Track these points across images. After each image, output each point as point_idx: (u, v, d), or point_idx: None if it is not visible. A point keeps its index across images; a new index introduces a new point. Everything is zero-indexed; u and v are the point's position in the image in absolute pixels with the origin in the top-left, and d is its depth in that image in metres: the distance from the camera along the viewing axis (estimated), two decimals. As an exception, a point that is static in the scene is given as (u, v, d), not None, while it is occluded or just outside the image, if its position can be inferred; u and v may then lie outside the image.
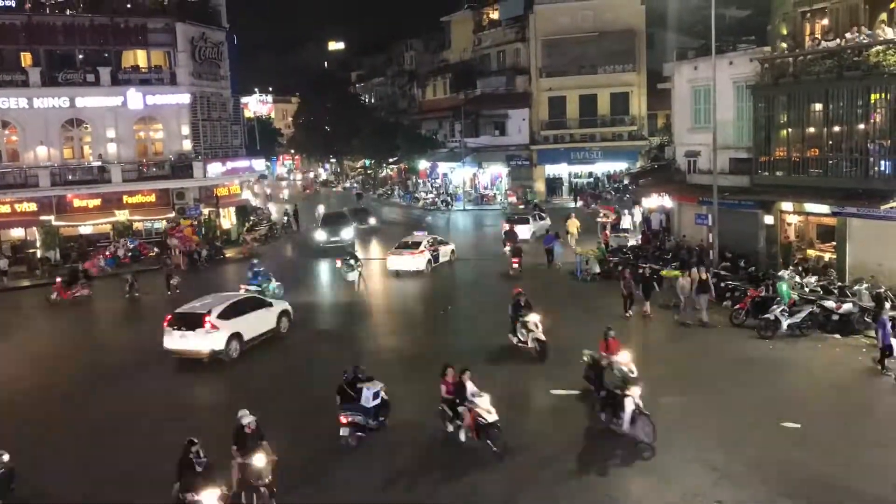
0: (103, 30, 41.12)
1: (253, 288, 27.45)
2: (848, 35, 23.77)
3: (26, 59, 40.39)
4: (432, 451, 15.07)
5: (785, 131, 26.46)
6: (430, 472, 14.11)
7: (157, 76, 42.78)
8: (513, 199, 57.19)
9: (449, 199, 61.14)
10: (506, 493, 13.20)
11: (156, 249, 40.06)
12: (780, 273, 24.69)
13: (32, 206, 38.69)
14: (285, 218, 52.09)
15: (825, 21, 25.94)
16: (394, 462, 14.60)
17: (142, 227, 41.75)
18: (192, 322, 20.90)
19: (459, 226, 50.60)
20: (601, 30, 55.24)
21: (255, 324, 22.39)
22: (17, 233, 39.32)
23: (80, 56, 41.38)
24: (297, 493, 13.39)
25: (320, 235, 42.16)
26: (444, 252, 35.17)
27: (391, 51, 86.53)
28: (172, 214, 41.36)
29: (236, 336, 21.32)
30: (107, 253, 38.03)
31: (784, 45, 26.61)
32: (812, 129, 25.55)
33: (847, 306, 21.39)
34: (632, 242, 35.10)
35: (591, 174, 60.25)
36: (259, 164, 52.21)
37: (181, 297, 29.64)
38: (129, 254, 38.92)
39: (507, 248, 33.51)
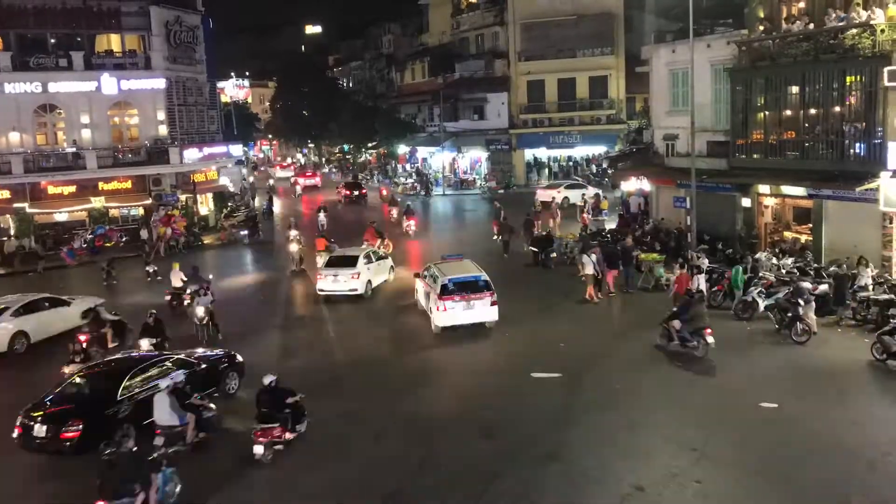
0: (76, 13, 40.27)
1: None
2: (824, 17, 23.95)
3: (-4, 43, 39.63)
4: (417, 436, 15.12)
5: (762, 114, 26.67)
6: (412, 456, 14.16)
7: (131, 61, 42.07)
8: (492, 183, 57.21)
9: (430, 184, 60.96)
10: (488, 473, 13.27)
11: (125, 237, 39.60)
12: (757, 255, 24.93)
13: (5, 194, 38.03)
14: (264, 204, 51.86)
15: (801, 4, 26.07)
16: (377, 447, 14.67)
17: (118, 214, 41.25)
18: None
19: (439, 210, 50.62)
20: (579, 13, 55.22)
21: (377, 272, 27.55)
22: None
23: (53, 40, 40.59)
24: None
25: None
26: None
27: (369, 35, 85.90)
28: (149, 201, 40.84)
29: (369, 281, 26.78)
30: (71, 244, 37.00)
31: (761, 27, 26.75)
32: (789, 112, 25.77)
33: (823, 287, 21.64)
34: (610, 226, 35.30)
35: (569, 158, 60.40)
36: (236, 149, 51.66)
37: (161, 282, 29.52)
38: (87, 244, 37.70)
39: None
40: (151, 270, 31.19)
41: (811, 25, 24.55)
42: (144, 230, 38.72)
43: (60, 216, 39.66)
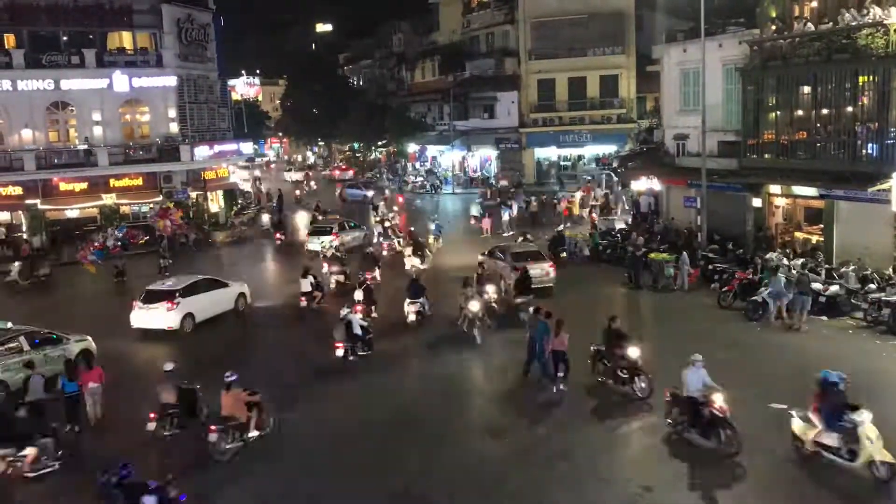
0: (88, 11, 40.44)
1: None
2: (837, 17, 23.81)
3: (9, 40, 39.77)
4: (425, 436, 15.14)
5: (773, 114, 26.56)
6: (421, 455, 14.17)
7: (143, 58, 42.24)
8: (504, 182, 57.11)
9: (438, 182, 61.00)
10: (497, 473, 13.29)
11: (146, 237, 38.91)
12: (768, 256, 24.81)
13: (18, 190, 38.32)
14: (274, 203, 52.04)
15: (814, 3, 25.94)
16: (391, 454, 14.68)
17: (129, 211, 41.39)
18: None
19: (448, 209, 50.63)
20: (590, 12, 55.03)
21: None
22: (2, 217, 38.94)
23: (65, 38, 40.77)
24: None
25: None
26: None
27: (379, 33, 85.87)
28: (160, 198, 40.93)
29: None
30: (95, 244, 35.47)
31: (773, 27, 26.62)
32: (800, 112, 25.66)
33: (834, 288, 21.55)
34: (620, 225, 35.24)
35: (579, 157, 60.25)
36: (247, 147, 51.74)
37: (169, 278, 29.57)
38: (119, 243, 36.63)
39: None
40: (165, 265, 31.34)
41: (826, 23, 24.40)
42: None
43: (72, 213, 39.87)
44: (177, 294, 23.03)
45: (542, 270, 25.04)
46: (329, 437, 15.14)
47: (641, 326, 22.03)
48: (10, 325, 20.49)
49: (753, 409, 15.41)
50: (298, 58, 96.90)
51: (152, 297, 23.03)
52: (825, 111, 24.61)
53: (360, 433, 15.22)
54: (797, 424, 13.36)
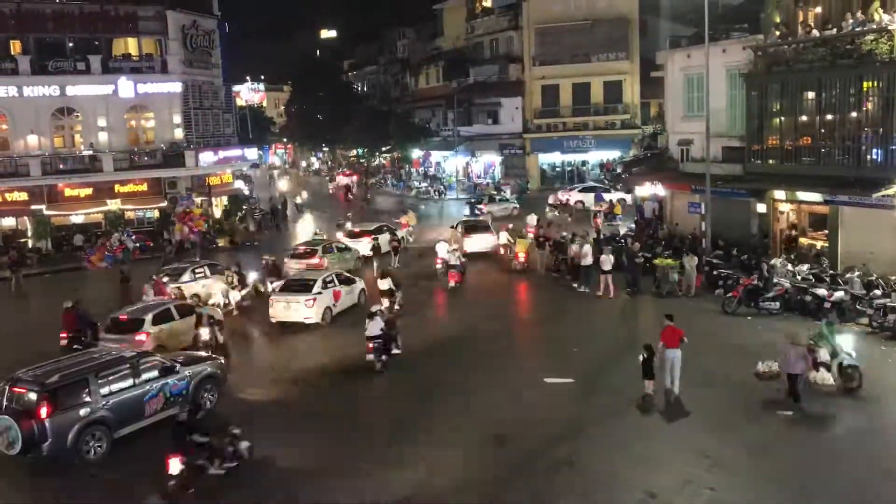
0: (93, 17, 40.67)
1: None
2: (843, 23, 23.80)
3: (15, 46, 39.97)
4: (428, 442, 15.11)
5: (778, 120, 26.55)
6: (423, 462, 14.15)
7: (148, 64, 42.43)
8: (507, 188, 57.05)
9: (442, 187, 61.04)
10: (501, 478, 13.25)
11: (150, 242, 39.36)
12: (772, 262, 24.71)
13: (23, 196, 38.42)
14: (279, 207, 52.08)
15: (818, 9, 25.94)
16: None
17: (134, 217, 41.54)
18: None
19: (453, 214, 50.58)
20: (594, 17, 55.11)
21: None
22: (7, 222, 39.07)
23: (71, 44, 40.98)
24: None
25: None
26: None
27: (384, 39, 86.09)
28: (164, 204, 41.07)
29: None
30: (115, 247, 35.93)
31: (777, 32, 26.62)
32: (805, 118, 25.65)
33: (839, 294, 21.48)
34: (623, 231, 35.21)
35: (583, 163, 60.26)
36: (251, 153, 51.95)
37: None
38: (137, 245, 37.48)
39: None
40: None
41: (830, 28, 24.39)
42: (172, 232, 39.10)
43: (77, 218, 39.97)
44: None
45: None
46: (333, 438, 15.14)
47: (641, 331, 21.98)
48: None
49: (760, 416, 15.38)
50: (303, 64, 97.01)
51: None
52: (829, 117, 24.59)
53: (364, 437, 15.21)
54: None
